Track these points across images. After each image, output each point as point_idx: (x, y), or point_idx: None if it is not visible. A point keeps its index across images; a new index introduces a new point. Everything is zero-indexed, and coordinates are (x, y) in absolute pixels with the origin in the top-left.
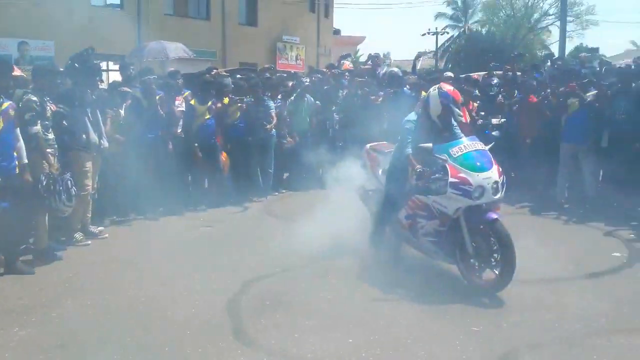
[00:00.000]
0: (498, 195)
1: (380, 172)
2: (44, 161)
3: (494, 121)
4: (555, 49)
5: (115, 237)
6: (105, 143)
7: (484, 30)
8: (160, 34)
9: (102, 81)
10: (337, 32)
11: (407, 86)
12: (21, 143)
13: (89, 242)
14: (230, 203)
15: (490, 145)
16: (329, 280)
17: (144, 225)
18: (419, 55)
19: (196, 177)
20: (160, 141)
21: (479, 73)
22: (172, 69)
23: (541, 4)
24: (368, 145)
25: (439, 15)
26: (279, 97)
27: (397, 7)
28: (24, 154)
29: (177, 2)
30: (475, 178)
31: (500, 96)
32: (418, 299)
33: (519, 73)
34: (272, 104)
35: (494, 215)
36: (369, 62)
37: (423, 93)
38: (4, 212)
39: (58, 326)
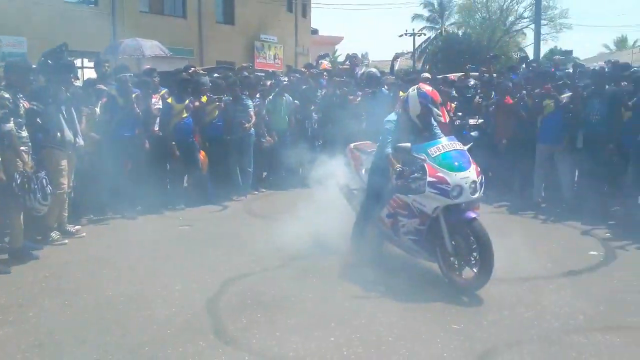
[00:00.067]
0: (476, 195)
1: (363, 171)
2: (17, 159)
3: (471, 122)
4: (530, 52)
5: (93, 236)
6: (80, 141)
7: (460, 32)
8: (136, 32)
9: (77, 78)
10: (315, 31)
11: (385, 86)
12: None
13: (66, 241)
14: (209, 202)
15: (469, 146)
16: (310, 279)
17: (122, 224)
18: (396, 56)
19: (174, 175)
20: (137, 139)
21: (456, 74)
22: (148, 66)
23: (516, 7)
24: (352, 145)
25: (416, 16)
26: (258, 96)
27: (375, 8)
28: None
29: None
30: (453, 177)
31: (477, 97)
32: (399, 297)
33: (495, 75)
34: (250, 102)
35: (472, 215)
36: (347, 62)
37: (401, 93)
38: None
39: (35, 326)
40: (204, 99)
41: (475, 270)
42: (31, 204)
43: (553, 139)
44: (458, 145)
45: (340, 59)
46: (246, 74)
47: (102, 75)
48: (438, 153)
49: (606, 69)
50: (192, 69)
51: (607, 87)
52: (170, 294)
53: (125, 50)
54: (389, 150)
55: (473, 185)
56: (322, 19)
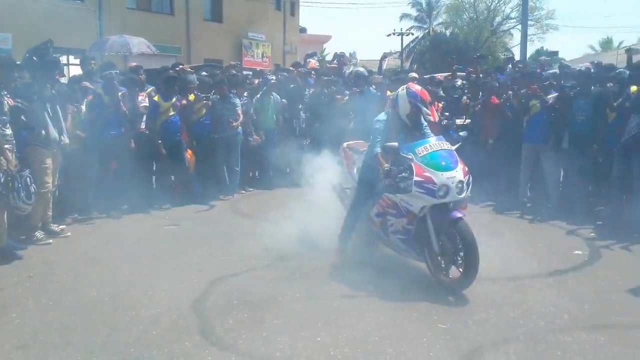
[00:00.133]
0: (463, 195)
1: (355, 170)
2: (1, 157)
3: (458, 122)
4: (517, 52)
5: (78, 236)
6: (65, 139)
7: (447, 32)
8: (123, 29)
9: (63, 75)
10: (303, 30)
11: (373, 86)
12: None
13: (50, 240)
14: (195, 201)
15: (457, 145)
16: (297, 279)
17: (108, 223)
18: (384, 56)
19: (161, 174)
20: (123, 138)
21: (442, 74)
22: (135, 64)
23: (503, 8)
24: (345, 144)
25: (404, 16)
26: (245, 94)
27: (363, 7)
28: None
29: None
30: (440, 177)
31: (465, 97)
32: (386, 296)
33: (481, 75)
34: (238, 101)
35: (459, 214)
36: (335, 61)
37: (389, 93)
38: None
39: (19, 327)
40: (191, 97)
41: (461, 270)
42: (15, 203)
43: (539, 138)
44: (446, 145)
45: (328, 57)
46: (234, 72)
47: (88, 72)
48: (425, 152)
49: (592, 70)
50: (180, 66)
51: (592, 87)
52: (157, 294)
53: (112, 47)
54: (378, 149)
55: (460, 185)
56: (310, 18)
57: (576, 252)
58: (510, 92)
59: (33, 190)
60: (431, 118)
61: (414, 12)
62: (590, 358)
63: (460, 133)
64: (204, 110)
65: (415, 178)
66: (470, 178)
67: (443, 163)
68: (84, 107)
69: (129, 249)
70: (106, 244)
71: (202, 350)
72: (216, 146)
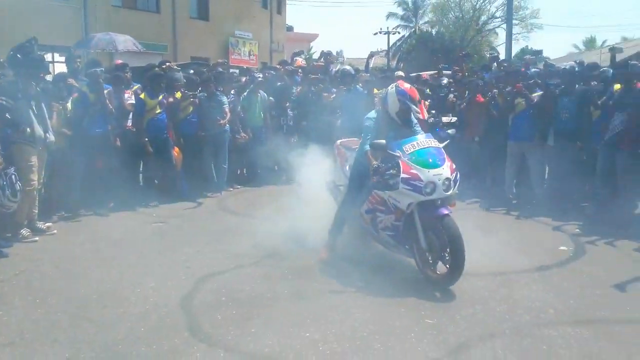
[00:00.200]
0: (450, 192)
1: (347, 167)
2: None
3: (444, 119)
4: (502, 51)
5: (64, 234)
6: (51, 137)
7: (434, 31)
8: (108, 27)
9: (49, 72)
10: (290, 28)
11: (360, 84)
12: None
13: (37, 238)
14: (183, 199)
15: (445, 143)
16: (285, 276)
17: (94, 221)
18: (371, 55)
19: (148, 172)
20: (110, 136)
21: (428, 72)
22: (120, 61)
23: (488, 7)
24: (338, 142)
25: (390, 15)
26: (232, 92)
27: (350, 6)
28: None
29: None
30: (426, 174)
31: (452, 95)
32: (374, 292)
33: (466, 74)
34: (225, 99)
35: (445, 211)
36: (322, 59)
37: (375, 91)
38: None
39: (5, 325)
40: (178, 95)
41: (448, 267)
42: (0, 200)
43: (524, 136)
44: (434, 143)
45: (315, 56)
46: (220, 69)
47: (73, 70)
48: (412, 150)
49: (577, 69)
50: (167, 63)
51: (577, 86)
52: (144, 292)
53: (97, 44)
54: (367, 147)
55: (447, 182)
56: (297, 16)
57: (561, 247)
58: (496, 90)
59: (18, 188)
60: (420, 116)
61: (400, 11)
62: (575, 352)
63: (449, 131)
64: (191, 108)
65: (402, 175)
66: (458, 175)
67: (430, 160)
68: (69, 105)
69: (116, 247)
70: (93, 242)
71: (191, 347)
72: (203, 144)
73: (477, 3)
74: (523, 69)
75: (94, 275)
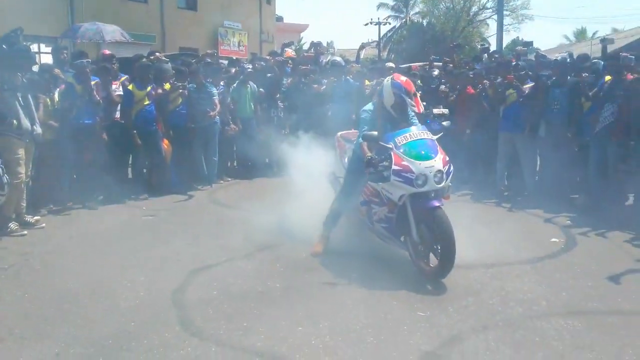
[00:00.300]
0: (442, 184)
1: (346, 159)
2: None
3: (436, 111)
4: (493, 42)
5: (53, 227)
6: (38, 129)
7: (424, 22)
8: (95, 16)
9: (35, 63)
10: (279, 19)
11: (350, 75)
12: None
13: (25, 232)
14: (173, 191)
15: (439, 135)
16: (277, 269)
17: (83, 214)
18: (362, 46)
19: (137, 165)
20: (98, 128)
21: (418, 63)
22: (108, 51)
23: None
24: (339, 134)
25: (381, 5)
26: (222, 83)
27: None
28: None
29: None
30: (418, 166)
31: (443, 87)
32: (367, 285)
33: (458, 65)
34: (215, 90)
35: (436, 203)
36: (312, 49)
37: (367, 82)
38: None
39: None
40: (167, 86)
41: (438, 259)
42: None
43: (515, 127)
44: (426, 134)
45: (306, 47)
46: (209, 60)
47: (60, 61)
48: (404, 142)
49: (568, 60)
50: (156, 54)
51: (569, 77)
52: (135, 286)
53: (84, 34)
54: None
55: (439, 175)
56: (286, 6)
57: (553, 239)
58: (486, 81)
59: (6, 180)
60: (416, 109)
61: (390, 2)
62: (567, 344)
63: (444, 123)
64: (181, 100)
65: (394, 167)
66: (451, 167)
67: (422, 152)
68: (56, 96)
69: (105, 240)
70: (82, 235)
71: (182, 341)
72: (193, 136)
73: None
74: (514, 60)
75: (83, 270)
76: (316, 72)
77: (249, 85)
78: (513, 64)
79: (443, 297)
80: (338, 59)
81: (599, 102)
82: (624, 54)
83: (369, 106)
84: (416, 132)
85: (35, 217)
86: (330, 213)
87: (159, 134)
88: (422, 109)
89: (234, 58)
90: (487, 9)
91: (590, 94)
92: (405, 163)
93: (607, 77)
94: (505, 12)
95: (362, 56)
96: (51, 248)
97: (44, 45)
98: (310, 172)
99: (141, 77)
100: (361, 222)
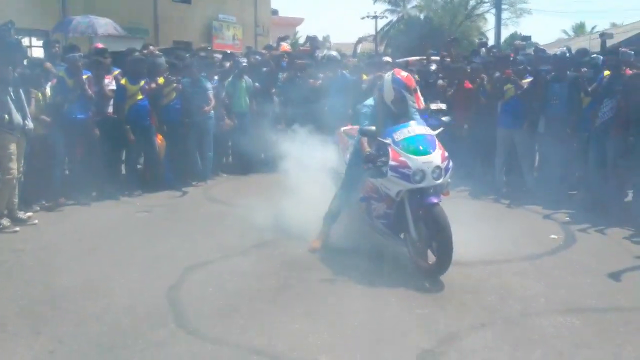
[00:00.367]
0: (440, 180)
1: (347, 155)
2: None
3: (433, 106)
4: (491, 36)
5: (46, 223)
6: (30, 124)
7: (422, 16)
8: (87, 9)
9: (27, 57)
10: (275, 12)
11: (346, 69)
12: None
13: (17, 228)
14: (167, 187)
15: (438, 131)
16: (274, 266)
17: (76, 210)
18: (359, 41)
19: (130, 160)
20: (91, 122)
21: (414, 58)
22: (100, 45)
23: None
24: (342, 129)
25: None
26: (216, 77)
27: None
28: None
29: None
30: (415, 162)
31: (441, 81)
32: (364, 282)
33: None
34: (209, 84)
35: (434, 200)
36: (307, 44)
37: (364, 76)
38: None
39: None
40: (160, 80)
41: (436, 257)
42: None
43: (513, 123)
44: (425, 130)
45: (301, 41)
46: (203, 54)
47: (51, 55)
48: (402, 137)
49: (567, 55)
50: (150, 47)
51: (568, 72)
52: (129, 283)
53: (76, 28)
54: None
55: (437, 170)
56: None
57: (552, 236)
58: (484, 76)
59: None
60: (416, 105)
61: None
62: (566, 341)
63: (444, 118)
64: (174, 94)
65: (391, 162)
66: (450, 163)
67: (420, 147)
68: (48, 91)
69: (99, 237)
70: (75, 232)
71: (178, 339)
72: (188, 131)
73: None
74: (512, 55)
75: (77, 267)
76: (312, 66)
77: (244, 80)
78: (511, 58)
79: (441, 294)
80: (334, 53)
81: (598, 97)
82: (624, 49)
83: (370, 101)
84: (415, 127)
85: (28, 214)
86: (330, 209)
87: (153, 129)
88: (422, 105)
89: (228, 52)
90: (485, 2)
91: (589, 89)
92: (402, 159)
93: (606, 72)
94: (503, 6)
95: (359, 50)
96: (44, 245)
97: (35, 38)
98: (306, 168)
99: (134, 71)
100: (361, 219)
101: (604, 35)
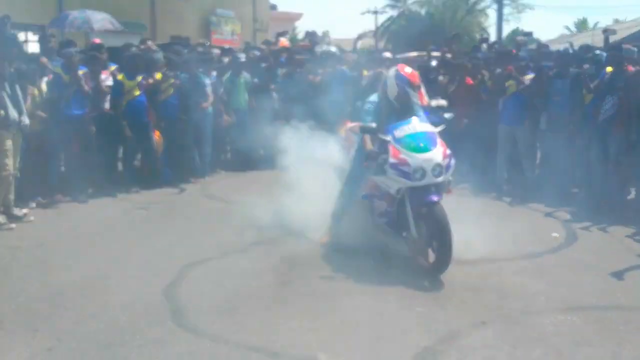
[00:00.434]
0: (441, 178)
1: (352, 152)
2: None
3: (433, 103)
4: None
5: (42, 221)
6: (25, 120)
7: (423, 11)
8: (84, 4)
9: (23, 52)
10: (273, 7)
11: (345, 65)
12: None
13: (13, 225)
14: (164, 184)
15: (440, 128)
16: (272, 263)
17: (73, 207)
18: (360, 37)
19: (127, 157)
20: (87, 119)
21: (414, 53)
22: (97, 40)
23: None
24: (348, 126)
25: None
26: (214, 73)
27: None
28: None
29: None
30: (415, 159)
31: (442, 77)
32: (363, 280)
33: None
34: (207, 80)
35: (435, 198)
36: (307, 39)
37: (364, 72)
38: None
39: None
40: (158, 76)
41: (435, 255)
42: None
43: (515, 120)
44: (427, 127)
45: (300, 36)
46: (201, 49)
47: (47, 49)
48: (403, 134)
49: (570, 51)
50: (147, 42)
51: (570, 69)
52: (127, 280)
53: (72, 23)
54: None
55: (438, 168)
56: None
57: (553, 234)
58: (485, 72)
59: None
60: (418, 101)
61: None
62: (566, 340)
63: (446, 115)
64: (172, 90)
65: (391, 160)
66: (452, 161)
67: (421, 145)
68: (44, 86)
69: (96, 234)
70: (72, 229)
71: (176, 337)
72: (185, 127)
73: None
74: (514, 51)
75: (74, 264)
76: (310, 62)
77: (242, 76)
78: (513, 54)
79: (441, 292)
80: (332, 48)
81: (600, 94)
82: (626, 45)
83: (374, 97)
84: (416, 124)
85: (24, 211)
86: (337, 206)
87: (150, 125)
88: (426, 102)
89: (227, 47)
90: None
91: (592, 85)
92: (402, 156)
93: (608, 69)
94: (505, 2)
95: (359, 46)
96: (40, 242)
97: (31, 33)
98: (305, 165)
99: (131, 67)
100: (363, 217)
101: (607, 32)
